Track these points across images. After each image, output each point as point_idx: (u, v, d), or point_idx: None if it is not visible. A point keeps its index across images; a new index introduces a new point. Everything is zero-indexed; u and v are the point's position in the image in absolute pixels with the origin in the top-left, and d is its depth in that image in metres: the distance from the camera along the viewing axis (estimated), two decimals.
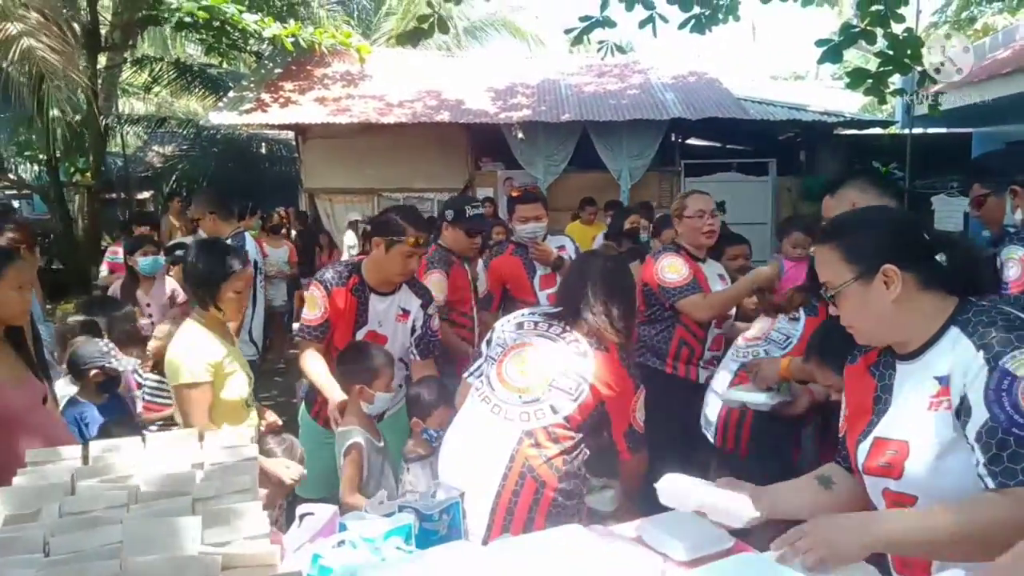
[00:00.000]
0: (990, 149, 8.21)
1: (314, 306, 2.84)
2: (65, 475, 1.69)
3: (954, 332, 1.38)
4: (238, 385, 2.52)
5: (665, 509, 1.83)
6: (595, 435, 2.20)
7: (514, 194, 3.79)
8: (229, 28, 10.44)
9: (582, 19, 4.87)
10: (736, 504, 1.58)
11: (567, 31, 5.05)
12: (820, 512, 1.63)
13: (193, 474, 1.71)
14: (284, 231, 9.13)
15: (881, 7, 4.29)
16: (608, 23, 4.80)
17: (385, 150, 10.48)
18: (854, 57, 11.59)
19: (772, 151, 10.77)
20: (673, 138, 10.63)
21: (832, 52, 4.30)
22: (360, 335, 2.89)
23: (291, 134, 12.41)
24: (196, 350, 2.43)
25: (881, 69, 4.58)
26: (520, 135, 9.98)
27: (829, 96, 12.03)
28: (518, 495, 2.04)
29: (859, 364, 1.58)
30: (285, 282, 7.37)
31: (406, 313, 2.96)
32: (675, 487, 1.71)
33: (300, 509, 1.62)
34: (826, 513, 1.58)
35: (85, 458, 1.83)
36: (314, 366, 2.80)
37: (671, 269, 3.16)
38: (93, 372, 2.88)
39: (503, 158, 10.76)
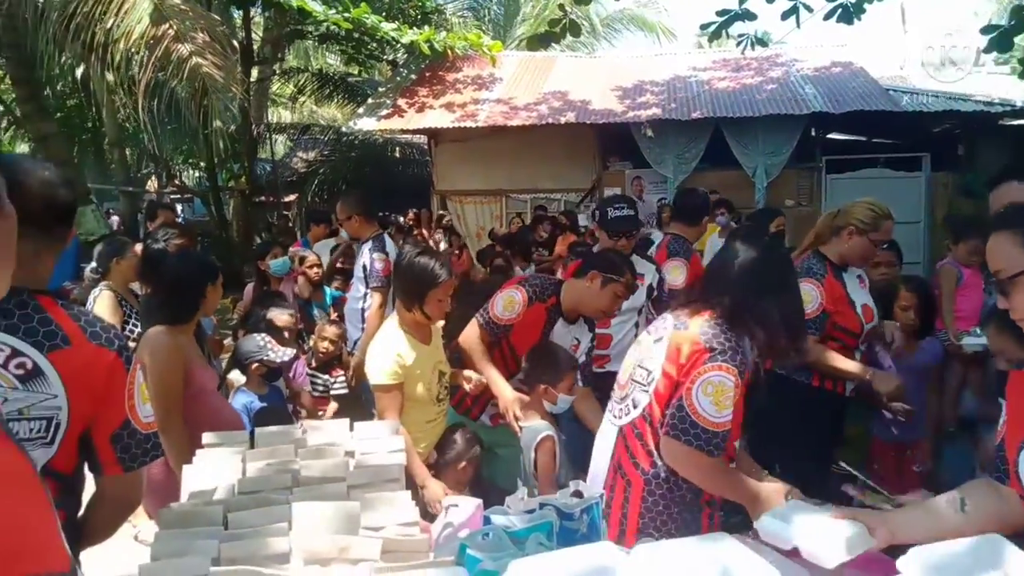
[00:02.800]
0: None
1: (510, 308, 2.91)
2: (237, 458, 1.84)
3: None
4: (426, 384, 2.67)
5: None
6: None
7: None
8: (367, 39, 11.00)
9: (720, 13, 4.70)
10: (831, 542, 1.48)
11: (703, 27, 4.91)
12: (946, 538, 1.52)
13: (346, 462, 1.82)
14: (416, 233, 9.47)
15: None
16: (748, 16, 4.61)
17: (513, 152, 10.66)
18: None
19: (926, 144, 9.98)
20: (813, 133, 10.10)
21: (1001, 39, 3.93)
22: None
23: (424, 138, 12.89)
24: (390, 353, 2.57)
25: None
26: (650, 133, 9.84)
27: (991, 83, 10.98)
28: (613, 492, 2.03)
29: None
30: None
31: (577, 344, 3.02)
32: (774, 526, 1.60)
33: (446, 501, 1.69)
34: (953, 538, 1.48)
35: (252, 442, 1.99)
36: (487, 360, 2.89)
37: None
38: (254, 365, 3.11)
39: (632, 157, 10.64)
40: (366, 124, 10.93)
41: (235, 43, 10.32)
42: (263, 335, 3.23)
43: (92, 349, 1.37)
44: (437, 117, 10.41)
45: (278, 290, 4.69)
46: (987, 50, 4.13)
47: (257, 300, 4.21)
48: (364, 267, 4.26)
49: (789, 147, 9.70)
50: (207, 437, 1.98)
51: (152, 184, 19.16)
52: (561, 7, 4.85)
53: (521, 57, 12.39)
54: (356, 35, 10.72)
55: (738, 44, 5.13)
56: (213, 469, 1.75)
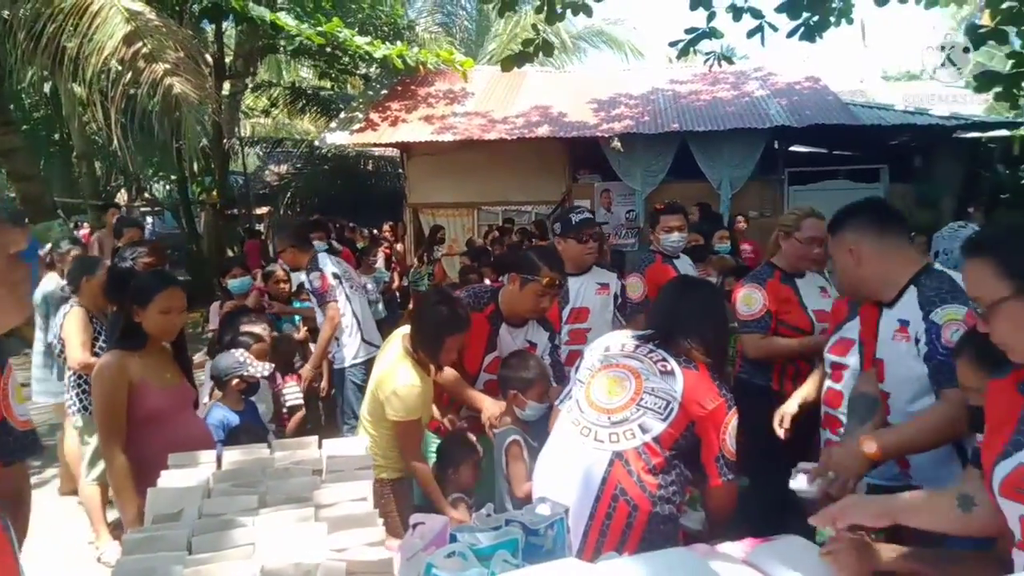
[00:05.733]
0: None
1: None
2: (202, 479, 1.84)
3: None
4: (428, 412, 2.81)
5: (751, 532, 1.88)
6: (691, 459, 2.14)
7: (658, 207, 3.99)
8: (340, 53, 11.00)
9: (688, 31, 4.82)
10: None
11: (672, 44, 5.02)
12: (948, 531, 1.58)
13: (314, 481, 1.83)
14: (386, 246, 9.33)
15: (1015, 2, 4.02)
16: (715, 34, 4.74)
17: (485, 165, 10.71)
18: (978, 55, 10.82)
19: (884, 157, 10.25)
20: (776, 146, 10.31)
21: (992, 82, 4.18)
22: (487, 360, 2.98)
23: (396, 151, 12.89)
24: (415, 388, 2.61)
25: (1016, 71, 4.30)
26: (618, 146, 9.96)
27: (948, 95, 11.31)
28: (611, 517, 2.04)
29: (1008, 379, 1.45)
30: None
31: (533, 346, 3.03)
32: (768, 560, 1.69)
33: (413, 518, 1.70)
34: (955, 533, 1.56)
35: (219, 462, 1.99)
36: (455, 378, 2.93)
37: (744, 301, 3.16)
38: (235, 381, 3.08)
39: (600, 170, 10.77)
40: (338, 138, 10.92)
41: (208, 57, 10.25)
42: (241, 351, 3.20)
43: None
44: (410, 131, 10.44)
45: (246, 305, 4.68)
46: (978, 90, 4.32)
47: (229, 317, 4.18)
48: (307, 291, 4.37)
49: (753, 160, 9.92)
50: (172, 458, 1.98)
51: (122, 197, 18.91)
52: (535, 27, 4.93)
53: (492, 71, 12.46)
54: (329, 49, 10.70)
55: (705, 61, 5.26)
56: (178, 491, 1.75)
